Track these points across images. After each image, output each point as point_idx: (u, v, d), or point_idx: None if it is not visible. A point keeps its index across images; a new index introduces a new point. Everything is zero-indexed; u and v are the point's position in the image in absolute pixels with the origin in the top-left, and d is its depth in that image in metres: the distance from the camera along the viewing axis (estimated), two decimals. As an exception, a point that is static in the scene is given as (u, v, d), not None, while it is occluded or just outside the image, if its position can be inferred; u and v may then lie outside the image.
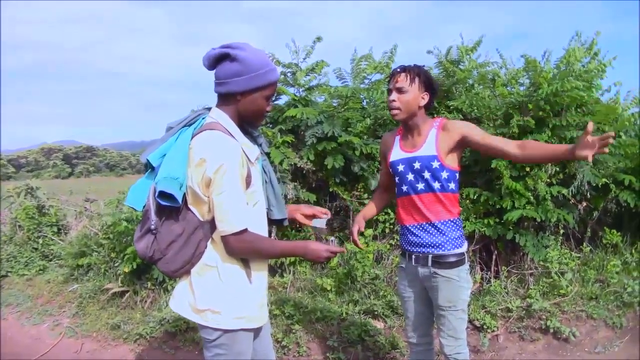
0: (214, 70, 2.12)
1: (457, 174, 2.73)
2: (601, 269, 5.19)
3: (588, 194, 5.07)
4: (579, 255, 5.24)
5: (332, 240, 2.31)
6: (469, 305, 4.49)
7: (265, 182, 2.30)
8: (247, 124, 2.23)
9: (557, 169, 4.95)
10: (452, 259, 2.70)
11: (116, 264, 5.48)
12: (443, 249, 2.70)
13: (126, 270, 5.01)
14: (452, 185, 2.69)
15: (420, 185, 2.70)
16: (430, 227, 2.71)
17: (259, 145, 2.29)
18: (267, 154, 2.38)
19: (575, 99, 4.85)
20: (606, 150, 2.17)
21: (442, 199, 2.68)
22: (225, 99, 2.12)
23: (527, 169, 4.82)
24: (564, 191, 4.90)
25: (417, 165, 2.69)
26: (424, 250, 2.74)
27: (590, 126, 2.14)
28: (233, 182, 1.97)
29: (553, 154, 2.46)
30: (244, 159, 2.05)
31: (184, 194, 2.04)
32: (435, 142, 2.65)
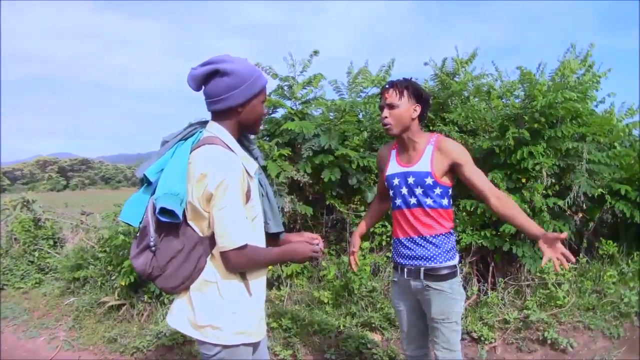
0: (204, 89, 2.10)
1: (450, 190, 2.75)
2: (598, 279, 5.21)
3: (584, 205, 5.10)
4: (575, 266, 5.26)
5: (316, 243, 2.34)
6: (464, 317, 4.51)
7: (262, 195, 2.30)
8: (249, 131, 2.24)
9: (553, 180, 4.97)
10: (444, 272, 2.70)
11: (113, 277, 5.47)
12: (435, 261, 2.70)
13: (123, 283, 5.00)
14: (444, 201, 2.71)
15: (413, 200, 2.71)
16: (421, 240, 2.72)
17: (255, 159, 2.29)
18: (263, 167, 2.37)
19: (570, 110, 4.89)
20: (566, 266, 2.48)
21: (433, 214, 2.70)
22: (223, 113, 2.11)
23: (523, 181, 4.85)
24: (560, 202, 4.93)
25: (411, 180, 2.70)
26: (415, 263, 2.75)
27: (564, 235, 2.39)
28: (234, 197, 1.96)
29: (522, 228, 2.61)
30: (244, 174, 2.04)
31: (184, 209, 2.02)
32: (430, 159, 2.66)
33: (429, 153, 2.68)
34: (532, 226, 2.56)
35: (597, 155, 5.01)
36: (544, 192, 4.91)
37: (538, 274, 4.94)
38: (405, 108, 2.66)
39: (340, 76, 5.87)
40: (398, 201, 2.78)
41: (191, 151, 2.06)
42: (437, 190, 2.67)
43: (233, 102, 2.06)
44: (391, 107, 2.66)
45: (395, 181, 2.78)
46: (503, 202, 2.63)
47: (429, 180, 2.65)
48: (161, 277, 2.07)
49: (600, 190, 5.06)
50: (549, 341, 4.40)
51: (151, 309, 5.11)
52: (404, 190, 2.74)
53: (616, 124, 5.96)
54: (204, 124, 2.20)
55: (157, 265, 2.05)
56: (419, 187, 2.68)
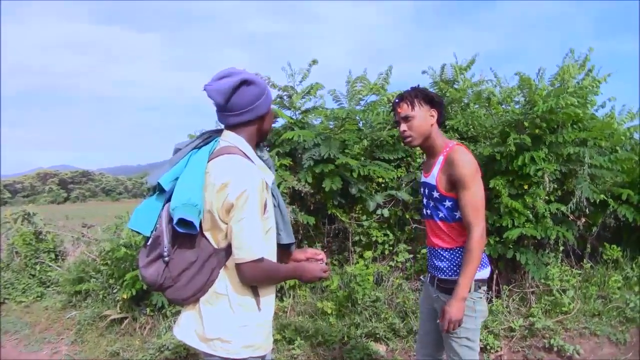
0: (230, 102, 2.03)
1: None
2: (602, 284, 5.18)
3: (587, 210, 5.07)
4: (579, 271, 5.23)
5: (322, 260, 2.38)
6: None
7: (274, 206, 2.26)
8: (264, 138, 2.23)
9: (555, 185, 4.95)
10: (453, 285, 2.59)
11: (115, 290, 5.45)
12: (445, 274, 2.66)
13: (125, 296, 4.97)
14: (459, 214, 2.59)
15: (428, 211, 2.72)
16: (434, 251, 2.72)
17: (269, 168, 2.24)
18: None
19: (570, 115, 4.86)
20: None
21: (444, 228, 2.63)
22: (244, 123, 2.08)
23: (526, 187, 4.83)
24: (563, 208, 4.90)
25: (426, 191, 2.69)
26: (432, 271, 2.76)
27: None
28: (253, 209, 1.94)
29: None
30: (263, 184, 2.02)
31: (200, 220, 1.99)
32: (437, 173, 2.60)
33: (438, 165, 2.61)
34: (461, 285, 2.50)
35: (598, 159, 5.00)
36: (547, 197, 4.89)
37: (542, 281, 4.91)
38: (422, 116, 2.58)
39: (339, 84, 5.86)
40: (423, 210, 2.81)
41: (208, 160, 2.04)
42: (448, 203, 2.59)
43: (261, 110, 2.08)
44: (407, 119, 2.59)
45: (421, 190, 2.80)
46: (467, 242, 2.53)
47: (435, 194, 2.61)
48: (172, 288, 2.04)
49: (602, 195, 5.04)
50: (555, 348, 4.37)
51: (153, 322, 5.07)
52: (424, 201, 2.75)
53: (617, 128, 5.95)
54: (218, 132, 2.17)
55: (169, 276, 2.01)
56: (430, 199, 2.67)
